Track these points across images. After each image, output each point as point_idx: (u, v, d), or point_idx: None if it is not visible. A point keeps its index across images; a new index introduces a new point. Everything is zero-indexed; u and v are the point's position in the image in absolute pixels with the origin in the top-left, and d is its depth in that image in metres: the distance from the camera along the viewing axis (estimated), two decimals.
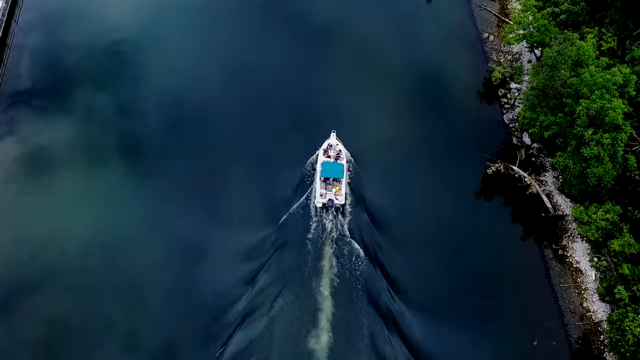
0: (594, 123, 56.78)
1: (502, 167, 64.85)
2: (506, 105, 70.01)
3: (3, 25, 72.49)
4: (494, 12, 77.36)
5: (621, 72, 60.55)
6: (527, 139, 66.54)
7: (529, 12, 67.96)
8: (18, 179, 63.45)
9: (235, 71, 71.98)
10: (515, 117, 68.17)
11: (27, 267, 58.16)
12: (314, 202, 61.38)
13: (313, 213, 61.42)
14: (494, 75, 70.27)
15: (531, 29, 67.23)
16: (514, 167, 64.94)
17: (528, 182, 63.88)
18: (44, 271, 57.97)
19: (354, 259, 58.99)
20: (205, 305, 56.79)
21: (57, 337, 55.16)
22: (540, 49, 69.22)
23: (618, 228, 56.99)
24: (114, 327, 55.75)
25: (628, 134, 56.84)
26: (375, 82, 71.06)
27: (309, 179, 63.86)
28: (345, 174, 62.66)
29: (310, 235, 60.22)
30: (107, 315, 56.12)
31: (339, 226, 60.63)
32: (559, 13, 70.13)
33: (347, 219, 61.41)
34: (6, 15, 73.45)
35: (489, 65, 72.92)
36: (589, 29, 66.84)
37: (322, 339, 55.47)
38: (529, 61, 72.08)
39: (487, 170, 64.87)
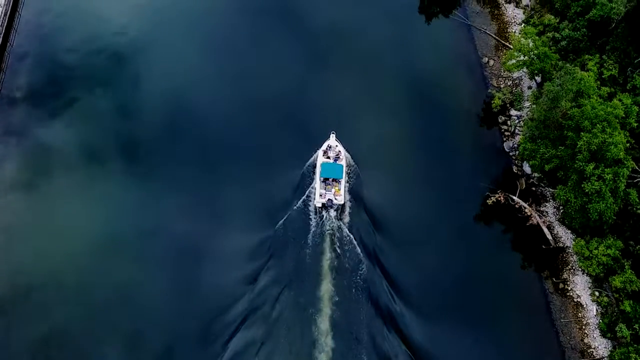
0: (595, 157, 56.07)
1: (502, 197, 64.11)
2: (506, 133, 69.25)
3: (4, 28, 72.86)
4: (493, 36, 76.56)
5: (622, 103, 59.97)
6: (527, 168, 65.81)
7: (529, 39, 67.32)
8: (19, 180, 63.87)
9: (234, 73, 72.19)
10: (516, 145, 67.40)
11: (27, 268, 58.62)
12: (313, 202, 62.05)
13: (313, 213, 62.10)
14: (494, 102, 69.52)
15: (531, 56, 66.57)
16: (514, 198, 64.22)
17: (529, 214, 63.15)
18: (44, 272, 58.54)
19: (353, 257, 59.69)
20: (205, 306, 57.09)
21: (57, 339, 55.48)
22: (540, 75, 68.56)
23: (620, 264, 56.30)
24: (114, 328, 56.19)
25: (630, 169, 56.09)
26: (372, 110, 69.90)
27: (309, 179, 64.38)
28: (345, 174, 63.34)
29: (310, 235, 60.83)
30: (107, 317, 56.54)
31: (338, 225, 61.41)
32: (560, 39, 69.45)
33: (347, 219, 62.43)
34: (7, 18, 73.72)
35: (489, 91, 72.09)
36: (590, 56, 66.23)
37: (322, 340, 55.93)
38: (529, 87, 71.33)
39: (487, 201, 64.12)
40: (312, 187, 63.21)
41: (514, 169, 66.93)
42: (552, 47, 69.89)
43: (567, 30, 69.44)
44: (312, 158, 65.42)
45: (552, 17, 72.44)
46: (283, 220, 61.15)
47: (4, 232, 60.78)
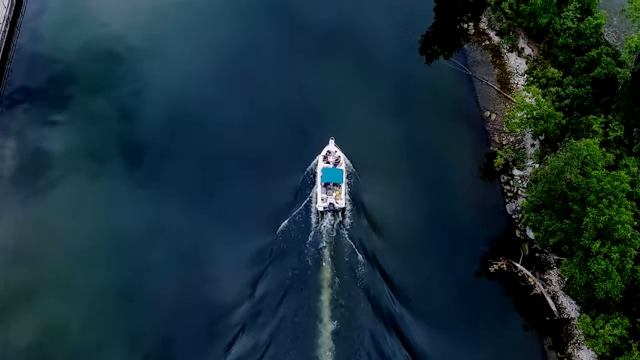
0: (601, 234, 54.31)
1: (505, 265, 62.34)
2: (509, 194, 67.38)
3: (7, 31, 74.23)
4: (495, 88, 74.65)
5: (629, 171, 58.42)
6: (530, 234, 63.93)
7: (532, 98, 65.59)
8: (20, 182, 64.21)
9: (235, 80, 72.80)
10: (519, 208, 65.60)
11: (28, 270, 58.96)
12: (315, 207, 62.99)
13: (314, 217, 63.10)
14: (496, 161, 67.79)
15: (535, 115, 64.85)
16: (517, 265, 62.41)
17: (532, 283, 61.36)
18: (45, 274, 58.88)
19: (353, 259, 60.57)
20: (207, 310, 57.21)
21: (58, 341, 55.80)
22: (544, 135, 66.89)
23: (627, 345, 54.54)
24: (114, 332, 56.49)
25: (637, 247, 54.32)
26: (369, 173, 67.68)
27: (310, 184, 65.25)
28: (345, 179, 64.39)
29: (311, 238, 61.51)
30: (107, 321, 56.91)
31: (339, 228, 62.31)
32: (564, 96, 67.72)
33: (347, 222, 63.40)
34: (9, 21, 75.35)
35: (491, 148, 70.24)
36: (594, 117, 64.50)
37: (324, 343, 56.13)
38: (532, 145, 69.48)
39: (490, 268, 62.33)
40: (314, 192, 64.07)
41: (517, 233, 65.08)
42: (555, 103, 68.35)
43: (571, 87, 67.76)
44: (312, 163, 66.06)
45: (556, 70, 70.76)
46: (285, 224, 61.95)
47: (5, 233, 61.10)
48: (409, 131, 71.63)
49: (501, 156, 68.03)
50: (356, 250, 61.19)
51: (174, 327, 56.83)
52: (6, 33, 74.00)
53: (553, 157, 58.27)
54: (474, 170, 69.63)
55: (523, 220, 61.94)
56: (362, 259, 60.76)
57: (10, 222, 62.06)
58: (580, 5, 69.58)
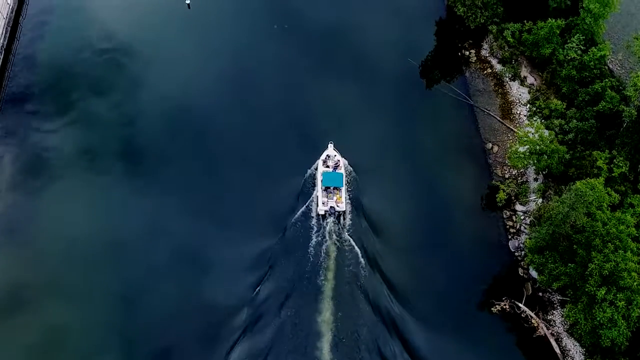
0: (607, 281, 53.08)
1: (507, 305, 61.17)
2: (511, 230, 66.16)
3: (8, 33, 74.96)
4: (498, 118, 73.35)
5: (634, 212, 57.25)
6: (534, 273, 62.69)
7: (535, 132, 64.39)
8: (21, 183, 64.63)
9: (237, 88, 73.30)
10: (521, 245, 64.40)
11: (28, 272, 59.15)
12: (316, 210, 63.57)
13: (315, 220, 63.60)
14: (498, 196, 66.50)
15: (537, 149, 63.64)
16: (520, 305, 61.21)
17: (535, 324, 60.14)
18: (45, 277, 59.08)
19: (355, 262, 61.11)
20: (208, 313, 57.31)
21: (58, 343, 55.77)
22: (547, 170, 65.70)
23: None
24: (113, 336, 56.54)
25: None
26: (367, 205, 66.60)
27: (310, 188, 65.80)
28: (345, 182, 65.13)
29: (312, 242, 61.93)
30: (107, 324, 57.03)
31: (340, 231, 62.92)
32: (567, 130, 66.54)
33: (347, 225, 64.05)
34: (11, 23, 76.09)
35: (493, 181, 68.96)
36: (599, 152, 63.27)
37: (325, 346, 56.27)
38: (535, 179, 68.23)
39: (492, 309, 61.19)
40: (314, 196, 64.76)
41: (520, 271, 63.87)
42: (559, 136, 67.19)
43: (574, 121, 66.63)
44: (312, 167, 66.72)
45: (559, 102, 69.54)
46: (287, 227, 62.62)
47: (6, 235, 61.40)
48: (410, 163, 70.58)
49: (503, 190, 66.77)
50: (359, 257, 61.51)
51: (174, 330, 56.88)
52: (7, 36, 74.77)
53: (557, 200, 56.93)
54: (476, 204, 68.43)
55: (526, 260, 60.67)
56: (363, 264, 61.20)
57: (10, 224, 62.09)
58: (584, 37, 68.14)
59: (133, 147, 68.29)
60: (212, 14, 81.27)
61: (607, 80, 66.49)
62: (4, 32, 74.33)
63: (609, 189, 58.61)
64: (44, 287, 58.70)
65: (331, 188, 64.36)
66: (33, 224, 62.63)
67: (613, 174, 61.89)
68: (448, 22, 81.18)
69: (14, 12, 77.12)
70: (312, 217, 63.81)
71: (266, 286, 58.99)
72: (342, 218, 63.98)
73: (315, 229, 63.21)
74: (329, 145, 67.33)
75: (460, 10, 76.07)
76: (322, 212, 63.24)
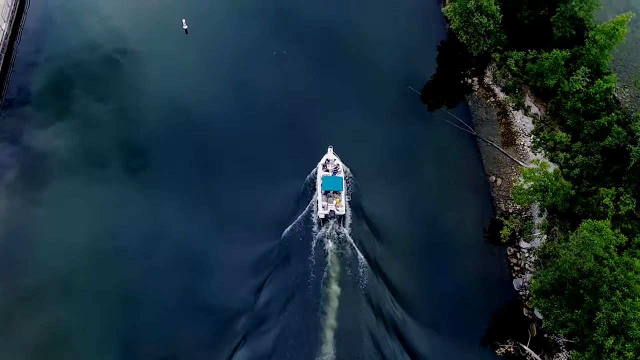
0: (615, 330, 51.66)
1: (512, 348, 59.78)
2: (515, 267, 64.74)
3: (8, 38, 75.61)
4: (501, 149, 71.84)
5: None
6: (538, 314, 61.29)
7: (540, 169, 62.92)
8: (22, 185, 64.91)
9: (237, 90, 73.80)
10: (526, 285, 62.98)
11: (30, 273, 59.44)
12: (317, 214, 63.87)
13: (316, 224, 64.05)
14: (502, 232, 65.16)
15: (541, 186, 62.18)
16: (525, 347, 59.81)
17: None
18: (46, 278, 59.22)
19: (355, 263, 61.49)
20: (210, 316, 57.60)
21: (57, 345, 56.10)
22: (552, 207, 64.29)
23: None
24: (115, 337, 56.97)
25: None
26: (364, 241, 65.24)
27: (311, 192, 66.03)
28: (344, 186, 65.40)
29: (313, 245, 62.34)
30: (108, 325, 57.40)
31: (340, 234, 63.41)
32: (573, 165, 65.16)
33: (347, 228, 64.57)
34: (11, 27, 76.72)
35: (497, 217, 67.55)
36: (606, 189, 61.87)
37: (326, 348, 56.52)
38: (540, 215, 66.80)
39: (496, 351, 59.82)
40: (315, 200, 64.98)
41: (525, 311, 62.43)
42: (564, 169, 65.85)
43: (580, 156, 65.25)
44: (313, 171, 66.84)
45: (564, 134, 68.29)
46: (288, 230, 62.85)
47: (6, 236, 61.48)
48: (412, 196, 68.98)
49: (507, 226, 65.36)
50: (358, 251, 62.19)
51: (175, 334, 57.00)
52: (7, 40, 75.29)
53: (564, 247, 55.40)
54: (479, 240, 67.10)
55: (532, 303, 59.22)
56: (362, 259, 61.73)
57: (10, 226, 62.27)
58: (590, 70, 66.69)
59: (136, 148, 68.72)
60: (213, 13, 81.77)
61: (613, 114, 65.04)
62: (4, 36, 74.94)
63: (617, 230, 57.20)
64: (44, 291, 58.91)
65: (331, 192, 64.56)
66: (34, 225, 62.83)
67: (620, 212, 60.55)
68: (450, 48, 79.72)
69: (14, 16, 77.80)
70: (313, 220, 64.10)
71: (268, 290, 59.26)
72: (341, 222, 64.33)
73: (316, 232, 63.47)
74: (329, 149, 67.52)
75: (463, 38, 74.46)
76: (322, 216, 63.58)
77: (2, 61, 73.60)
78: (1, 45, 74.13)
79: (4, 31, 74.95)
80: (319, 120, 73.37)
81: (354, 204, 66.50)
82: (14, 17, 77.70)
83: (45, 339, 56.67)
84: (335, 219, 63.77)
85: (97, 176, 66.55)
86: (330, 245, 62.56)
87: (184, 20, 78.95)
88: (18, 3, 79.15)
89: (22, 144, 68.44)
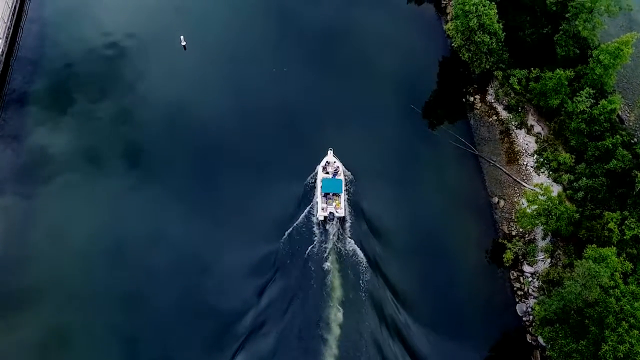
0: None
1: None
2: (519, 292, 63.80)
3: (9, 38, 75.77)
4: (504, 170, 70.87)
5: None
6: (542, 341, 60.32)
7: (543, 193, 62.00)
8: (22, 185, 64.92)
9: (237, 92, 73.98)
10: (529, 310, 62.06)
11: (30, 273, 59.49)
12: (316, 216, 64.44)
13: (316, 226, 64.46)
14: (505, 256, 64.18)
15: (546, 207, 61.28)
16: None
17: None
18: (46, 278, 59.31)
19: (355, 265, 62.09)
20: (211, 318, 57.70)
21: (57, 346, 56.13)
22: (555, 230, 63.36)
23: None
24: (115, 339, 56.98)
25: None
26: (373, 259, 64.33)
27: (311, 194, 66.52)
28: (344, 188, 65.90)
29: (313, 247, 62.69)
30: (109, 327, 57.38)
31: (340, 236, 63.88)
32: (577, 188, 64.22)
33: (347, 230, 65.05)
34: (12, 26, 76.93)
35: (499, 239, 66.60)
36: (610, 213, 60.94)
37: (328, 351, 56.89)
38: (544, 238, 65.83)
39: None
40: (314, 202, 65.49)
41: (528, 337, 61.52)
42: (567, 191, 64.94)
43: (584, 178, 64.30)
44: (313, 173, 67.29)
45: (568, 155, 67.31)
46: (287, 233, 63.29)
47: (6, 237, 61.65)
48: (413, 217, 67.96)
49: (510, 250, 64.42)
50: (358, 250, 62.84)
51: (176, 335, 57.12)
52: (8, 39, 75.55)
53: (569, 278, 54.47)
54: (481, 263, 66.11)
55: (536, 331, 58.26)
56: (361, 255, 62.61)
57: (11, 225, 62.41)
58: (594, 91, 65.72)
59: (137, 149, 68.87)
60: (213, 14, 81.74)
61: (617, 136, 64.08)
62: (4, 35, 74.95)
63: (622, 257, 56.28)
64: (44, 291, 58.63)
65: (331, 194, 65.02)
66: (34, 225, 62.75)
67: (625, 237, 59.63)
68: (452, 66, 78.71)
69: (14, 16, 77.84)
70: (313, 222, 64.62)
71: (269, 292, 59.56)
72: (341, 223, 64.87)
73: (316, 234, 63.96)
74: (329, 151, 67.75)
75: (465, 56, 73.44)
76: (321, 218, 64.14)
77: (3, 59, 73.50)
78: (1, 46, 73.96)
79: (4, 31, 75.00)
80: (321, 141, 71.63)
81: (355, 230, 65.82)
82: (14, 17, 77.80)
83: (46, 339, 56.61)
84: (334, 221, 63.95)
85: (98, 176, 66.67)
86: (329, 246, 62.78)
87: (182, 37, 78.13)
88: (18, 3, 79.10)
89: (22, 143, 68.56)
